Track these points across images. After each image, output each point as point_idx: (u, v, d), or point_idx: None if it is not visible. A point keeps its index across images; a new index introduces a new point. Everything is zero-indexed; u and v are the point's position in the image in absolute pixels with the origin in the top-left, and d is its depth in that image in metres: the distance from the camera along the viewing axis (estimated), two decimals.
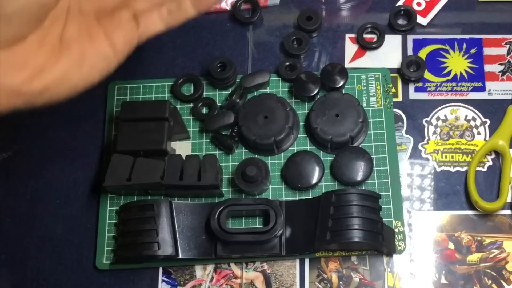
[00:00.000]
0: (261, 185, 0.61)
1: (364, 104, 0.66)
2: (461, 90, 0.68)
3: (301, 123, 0.66)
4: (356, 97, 0.65)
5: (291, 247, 0.60)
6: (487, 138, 0.66)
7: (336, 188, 0.63)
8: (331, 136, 0.63)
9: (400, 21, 0.71)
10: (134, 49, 0.73)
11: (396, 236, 0.61)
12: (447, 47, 0.70)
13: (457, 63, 0.69)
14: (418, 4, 0.71)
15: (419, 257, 0.62)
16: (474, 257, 0.62)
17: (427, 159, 0.65)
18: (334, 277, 0.61)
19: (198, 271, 0.62)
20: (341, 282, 0.61)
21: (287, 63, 0.68)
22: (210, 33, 0.72)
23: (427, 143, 0.66)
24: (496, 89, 0.68)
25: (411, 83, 0.68)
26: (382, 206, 0.61)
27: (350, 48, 0.70)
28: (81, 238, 0.64)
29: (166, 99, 0.68)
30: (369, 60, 0.70)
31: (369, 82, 0.68)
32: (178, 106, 0.67)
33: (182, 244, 0.60)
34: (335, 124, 0.63)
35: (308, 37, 0.69)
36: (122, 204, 0.63)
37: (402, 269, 0.62)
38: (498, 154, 0.65)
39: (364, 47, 0.70)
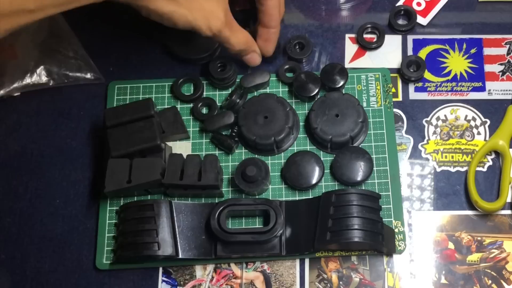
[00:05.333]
0: (261, 185, 0.61)
1: (364, 104, 0.66)
2: (461, 90, 0.68)
3: (301, 123, 0.66)
4: (356, 97, 0.65)
5: (291, 247, 0.60)
6: (487, 138, 0.66)
7: (336, 188, 0.63)
8: (331, 136, 0.63)
9: (400, 21, 0.71)
10: (134, 49, 0.73)
11: (396, 236, 0.61)
12: (447, 47, 0.70)
13: (457, 63, 0.69)
14: (418, 4, 0.71)
15: (419, 257, 0.62)
16: (474, 257, 0.62)
17: (427, 159, 0.65)
18: (334, 277, 0.61)
19: (198, 271, 0.62)
20: (341, 282, 0.61)
21: (287, 66, 0.68)
22: None
23: (427, 143, 0.66)
24: (496, 89, 0.68)
25: (411, 83, 0.68)
26: (382, 206, 0.61)
27: (350, 48, 0.70)
28: (81, 238, 0.64)
29: (166, 99, 0.68)
30: (369, 60, 0.70)
31: (369, 82, 0.68)
32: (178, 106, 0.67)
33: (182, 244, 0.60)
34: (335, 124, 0.63)
35: (309, 40, 0.69)
36: (122, 204, 0.63)
37: (402, 269, 0.62)
38: (498, 154, 0.65)
39: (364, 47, 0.70)
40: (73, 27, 0.70)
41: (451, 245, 0.62)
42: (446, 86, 0.68)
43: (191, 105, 0.68)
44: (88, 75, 0.69)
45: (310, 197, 0.63)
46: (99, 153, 0.67)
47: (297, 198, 0.63)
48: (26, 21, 0.49)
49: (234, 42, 0.62)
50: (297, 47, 0.69)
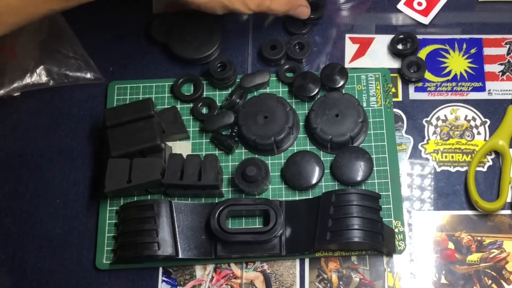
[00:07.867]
0: (261, 185, 0.61)
1: (364, 104, 0.66)
2: (461, 90, 0.68)
3: (301, 123, 0.66)
4: (356, 97, 0.65)
5: (291, 247, 0.60)
6: (487, 138, 0.66)
7: (336, 188, 0.63)
8: (331, 136, 0.63)
9: (400, 46, 0.69)
10: (134, 49, 0.73)
11: (396, 236, 0.61)
12: (447, 47, 0.70)
13: (457, 63, 0.69)
14: (419, 4, 0.71)
15: (419, 257, 0.62)
16: (474, 257, 0.62)
17: (427, 159, 0.65)
18: (334, 277, 0.61)
19: (198, 271, 0.62)
20: (341, 282, 0.61)
21: (287, 66, 0.68)
22: None
23: (427, 143, 0.66)
24: (496, 89, 0.68)
25: (411, 83, 0.68)
26: (382, 206, 0.61)
27: (350, 48, 0.70)
28: (81, 238, 0.64)
29: (166, 99, 0.68)
30: (369, 60, 0.70)
31: (369, 82, 0.68)
32: (178, 106, 0.67)
33: (182, 244, 0.60)
34: (335, 124, 0.63)
35: (309, 40, 0.69)
36: (122, 204, 0.63)
37: (402, 269, 0.62)
38: (498, 154, 0.65)
39: (398, 55, 0.68)
40: (73, 27, 0.70)
41: (451, 245, 0.62)
42: (446, 86, 0.68)
43: (191, 105, 0.68)
44: (88, 75, 0.69)
45: (310, 197, 0.63)
46: (99, 153, 0.67)
47: (297, 198, 0.63)
48: (59, 7, 0.53)
49: (276, 7, 0.62)
50: (297, 47, 0.69)
